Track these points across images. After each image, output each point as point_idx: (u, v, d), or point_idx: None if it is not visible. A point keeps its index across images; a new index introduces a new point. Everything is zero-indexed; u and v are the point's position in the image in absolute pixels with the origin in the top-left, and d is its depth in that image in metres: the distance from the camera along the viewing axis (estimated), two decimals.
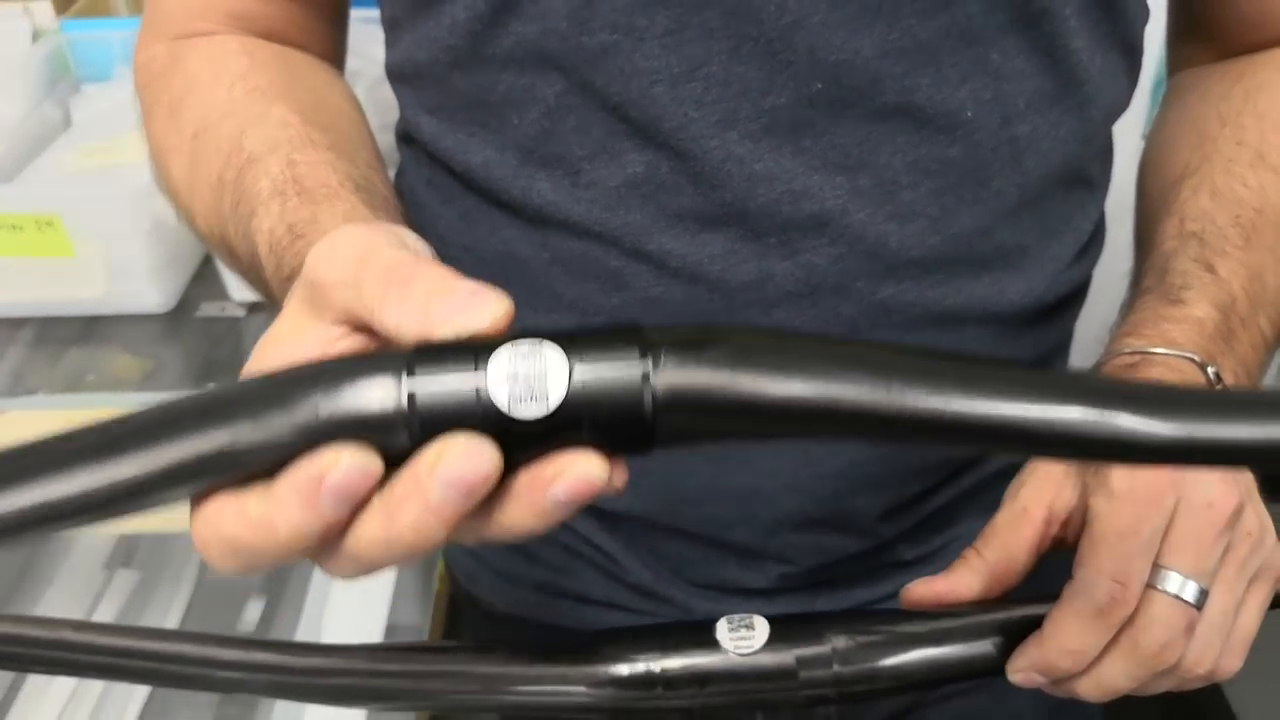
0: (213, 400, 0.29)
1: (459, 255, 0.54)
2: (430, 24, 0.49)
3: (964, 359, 0.28)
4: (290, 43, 0.55)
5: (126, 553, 0.80)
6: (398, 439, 0.28)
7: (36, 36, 1.09)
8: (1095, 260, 0.57)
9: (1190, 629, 0.40)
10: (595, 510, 0.58)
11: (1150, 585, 0.40)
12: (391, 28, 0.53)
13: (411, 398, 0.27)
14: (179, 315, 0.89)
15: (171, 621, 0.79)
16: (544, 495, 0.28)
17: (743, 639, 0.41)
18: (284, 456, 0.28)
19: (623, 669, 0.40)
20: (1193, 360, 0.44)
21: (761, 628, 0.41)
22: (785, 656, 0.40)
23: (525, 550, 0.63)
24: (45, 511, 0.28)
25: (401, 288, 0.30)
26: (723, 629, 0.40)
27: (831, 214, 0.47)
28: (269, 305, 0.86)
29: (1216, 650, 0.41)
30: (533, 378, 0.27)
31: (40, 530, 0.28)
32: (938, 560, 0.60)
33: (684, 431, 0.29)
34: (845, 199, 0.47)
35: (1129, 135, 0.58)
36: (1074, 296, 0.56)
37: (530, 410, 0.27)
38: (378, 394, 0.27)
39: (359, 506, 0.28)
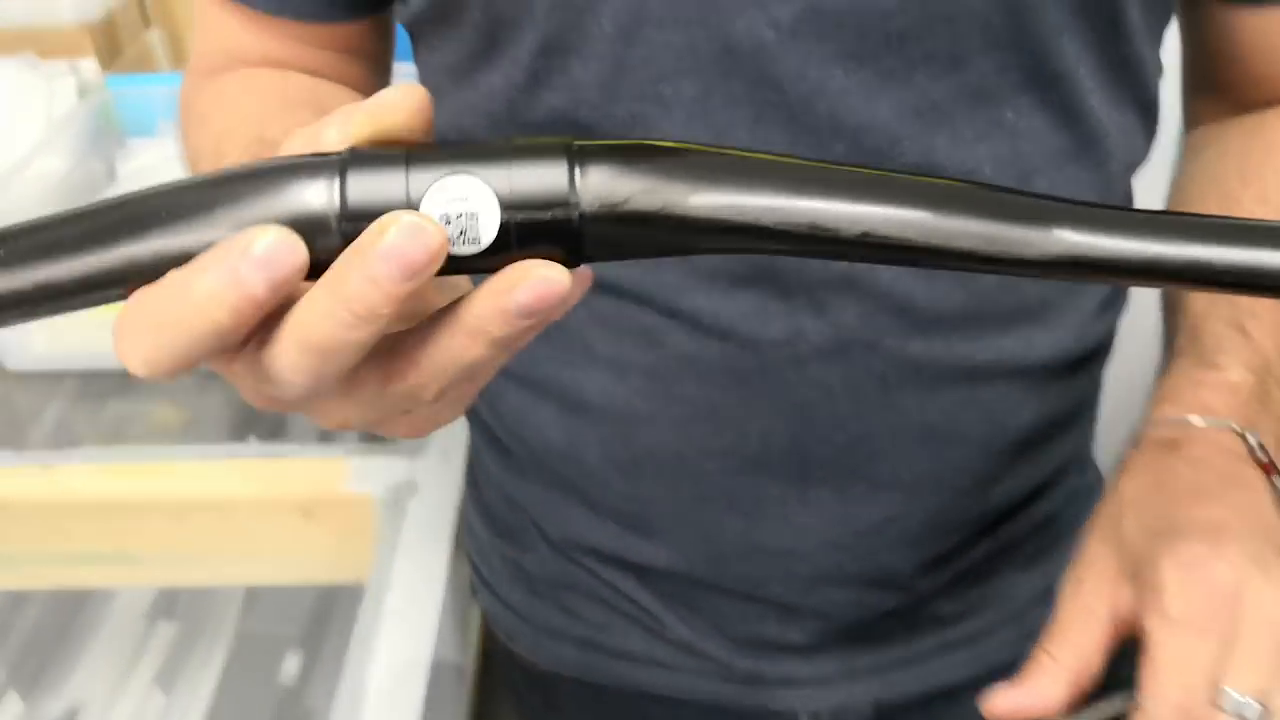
0: (155, 199, 0.28)
1: None
2: (470, 92, 0.51)
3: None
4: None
5: (167, 605, 0.81)
6: (329, 241, 0.27)
7: (83, 93, 1.12)
8: (1120, 311, 0.58)
9: None
10: (634, 566, 0.59)
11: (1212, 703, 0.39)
12: (434, 93, 0.55)
13: (344, 199, 0.27)
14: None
15: (212, 673, 0.81)
16: (509, 299, 0.27)
17: None
18: None
19: None
20: (1232, 429, 0.44)
21: None
22: None
23: (565, 606, 0.64)
24: None
25: (366, 102, 0.29)
26: None
27: (859, 272, 0.48)
28: None
29: None
30: (465, 219, 0.27)
31: None
32: (975, 616, 0.60)
33: (610, 241, 0.28)
34: None
35: (1151, 192, 0.58)
36: (1101, 349, 0.57)
37: (464, 249, 0.27)
38: (310, 194, 0.27)
39: (282, 293, 0.26)
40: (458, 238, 0.27)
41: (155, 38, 1.19)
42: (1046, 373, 0.54)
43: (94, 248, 0.28)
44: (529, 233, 0.27)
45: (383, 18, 0.58)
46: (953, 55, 0.45)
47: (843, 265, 0.48)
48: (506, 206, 0.27)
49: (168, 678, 0.80)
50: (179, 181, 0.28)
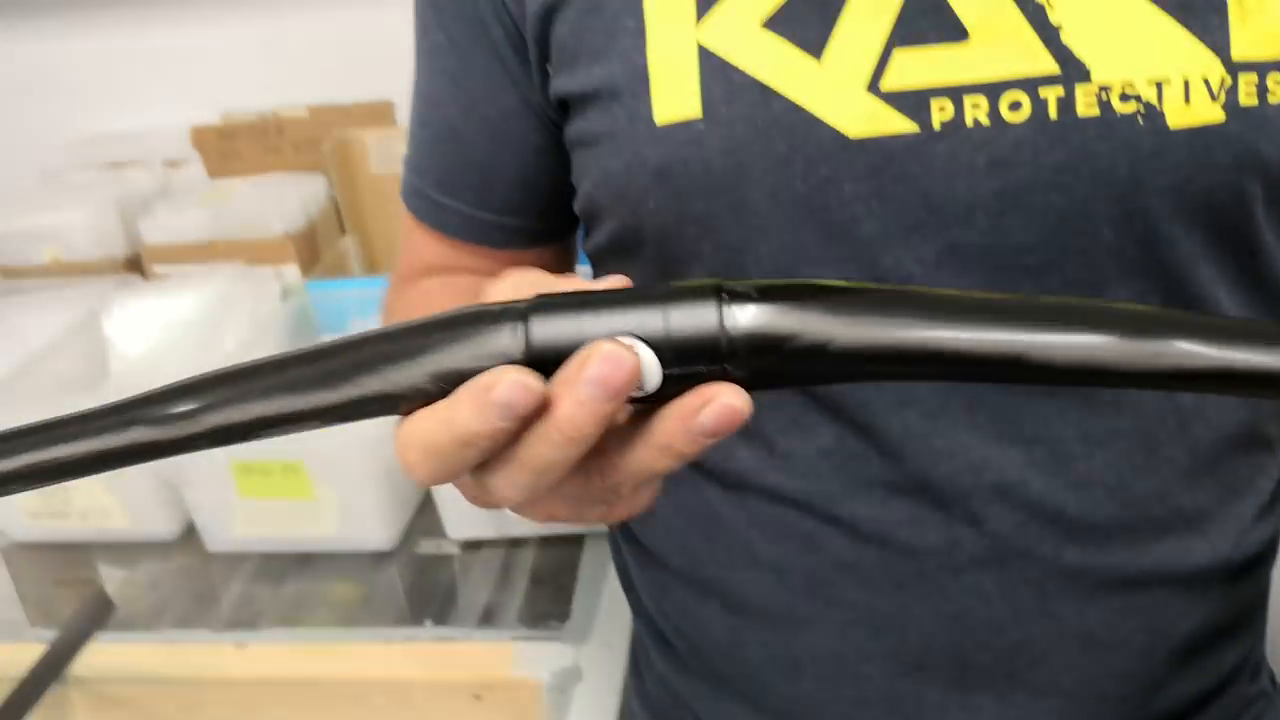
0: (375, 343, 0.33)
1: (667, 513, 0.59)
2: None
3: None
4: None
5: None
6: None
7: (285, 295, 1.22)
8: None
9: None
10: None
11: None
12: None
13: (529, 340, 0.31)
14: (400, 552, 0.95)
15: None
16: (694, 422, 0.30)
17: None
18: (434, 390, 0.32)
19: None
20: None
21: None
22: None
23: None
24: (249, 425, 0.33)
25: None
26: None
27: (1011, 484, 0.50)
28: (486, 543, 0.92)
29: None
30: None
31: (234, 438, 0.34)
32: None
33: (768, 375, 0.31)
34: (1022, 469, 0.50)
35: None
36: (1264, 554, 0.56)
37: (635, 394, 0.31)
38: (503, 337, 0.32)
39: (520, 423, 0.31)
40: None
41: (349, 244, 1.30)
42: (1207, 580, 0.54)
43: (333, 384, 0.33)
44: (687, 379, 0.31)
45: (566, 243, 0.64)
46: (1091, 283, 0.48)
47: (994, 476, 0.50)
48: (663, 353, 0.31)
49: None
50: (391, 328, 0.33)
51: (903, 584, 0.53)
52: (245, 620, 0.89)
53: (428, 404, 0.32)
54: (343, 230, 1.33)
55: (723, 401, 0.30)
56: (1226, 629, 0.57)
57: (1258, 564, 0.57)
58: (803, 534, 0.54)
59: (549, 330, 0.31)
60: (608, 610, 0.85)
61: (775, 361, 0.31)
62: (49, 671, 0.85)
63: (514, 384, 0.30)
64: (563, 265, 0.66)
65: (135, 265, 1.32)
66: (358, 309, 1.18)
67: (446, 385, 0.32)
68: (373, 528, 0.94)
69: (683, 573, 0.60)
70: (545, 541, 0.94)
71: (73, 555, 1.00)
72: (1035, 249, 0.47)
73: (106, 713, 0.84)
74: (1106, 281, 0.48)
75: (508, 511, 0.98)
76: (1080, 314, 0.30)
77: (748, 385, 0.31)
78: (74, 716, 0.86)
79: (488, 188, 0.60)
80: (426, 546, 0.95)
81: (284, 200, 1.28)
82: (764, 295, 0.31)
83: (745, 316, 0.31)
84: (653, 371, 0.31)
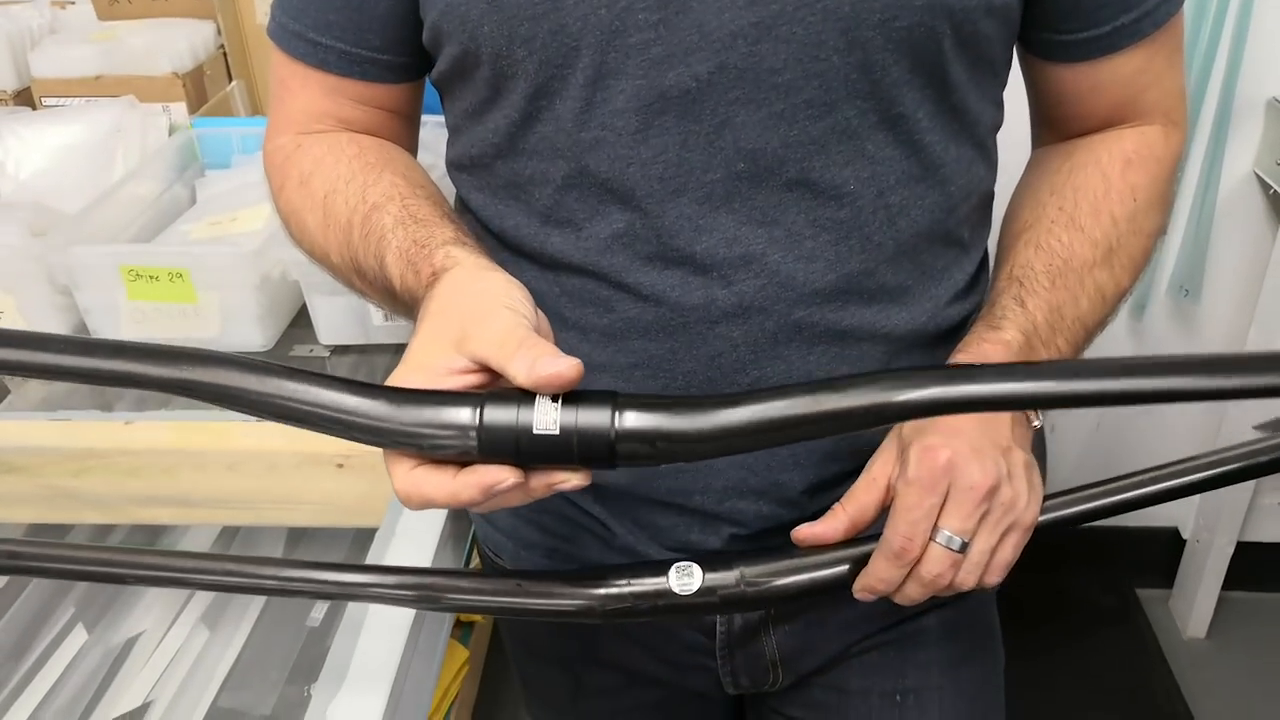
0: (396, 401, 0.51)
1: None
2: (480, 128, 0.68)
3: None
4: (382, 137, 0.75)
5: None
6: (470, 444, 0.51)
7: (172, 131, 1.30)
8: (975, 303, 0.73)
9: (956, 566, 0.60)
10: (593, 486, 0.74)
11: (931, 539, 0.59)
12: (453, 131, 0.73)
13: (481, 421, 0.50)
14: (276, 354, 1.06)
15: (250, 617, 0.93)
16: (549, 489, 0.51)
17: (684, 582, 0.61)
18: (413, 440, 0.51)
19: (599, 590, 0.60)
20: None
21: (698, 573, 0.61)
22: (710, 584, 0.60)
23: (539, 523, 0.79)
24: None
25: (516, 348, 0.51)
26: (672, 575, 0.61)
27: (755, 256, 0.64)
28: (354, 348, 1.06)
29: (977, 577, 0.60)
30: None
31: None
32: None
33: (635, 456, 0.50)
34: (765, 245, 0.64)
35: None
36: (956, 328, 0.72)
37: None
38: (465, 415, 0.50)
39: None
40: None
41: (235, 88, 1.38)
42: (907, 342, 0.69)
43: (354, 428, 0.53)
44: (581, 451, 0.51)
45: (420, 82, 0.75)
46: (825, 102, 0.61)
47: (743, 250, 0.64)
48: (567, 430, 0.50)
49: (212, 617, 0.94)
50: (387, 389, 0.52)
51: (673, 334, 0.67)
52: (131, 405, 0.99)
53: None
54: (230, 76, 1.40)
55: (573, 483, 0.52)
56: None
57: (951, 336, 0.71)
58: (599, 299, 0.68)
59: (495, 416, 0.50)
60: None
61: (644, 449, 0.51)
62: None
63: (508, 482, 0.51)
64: (416, 106, 0.77)
65: (25, 98, 1.38)
66: (241, 146, 1.27)
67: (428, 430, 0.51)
68: (251, 331, 1.05)
69: None
70: (400, 346, 1.05)
71: None
72: (783, 71, 0.60)
73: (3, 476, 0.94)
74: (837, 102, 0.61)
75: (372, 320, 1.12)
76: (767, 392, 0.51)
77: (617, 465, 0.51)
78: None
79: (365, 26, 0.69)
80: (300, 350, 1.07)
81: (174, 42, 1.35)
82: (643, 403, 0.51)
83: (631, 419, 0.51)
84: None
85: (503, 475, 0.50)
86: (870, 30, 0.60)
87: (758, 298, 0.65)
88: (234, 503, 0.95)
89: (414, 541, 0.83)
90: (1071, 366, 0.47)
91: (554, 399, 0.50)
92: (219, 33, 1.40)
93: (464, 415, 0.50)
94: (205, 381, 0.53)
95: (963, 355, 0.64)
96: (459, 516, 0.90)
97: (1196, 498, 1.91)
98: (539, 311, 0.56)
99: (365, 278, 0.66)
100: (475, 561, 0.95)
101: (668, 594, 0.61)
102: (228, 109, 1.35)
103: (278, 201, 0.74)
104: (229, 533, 1.00)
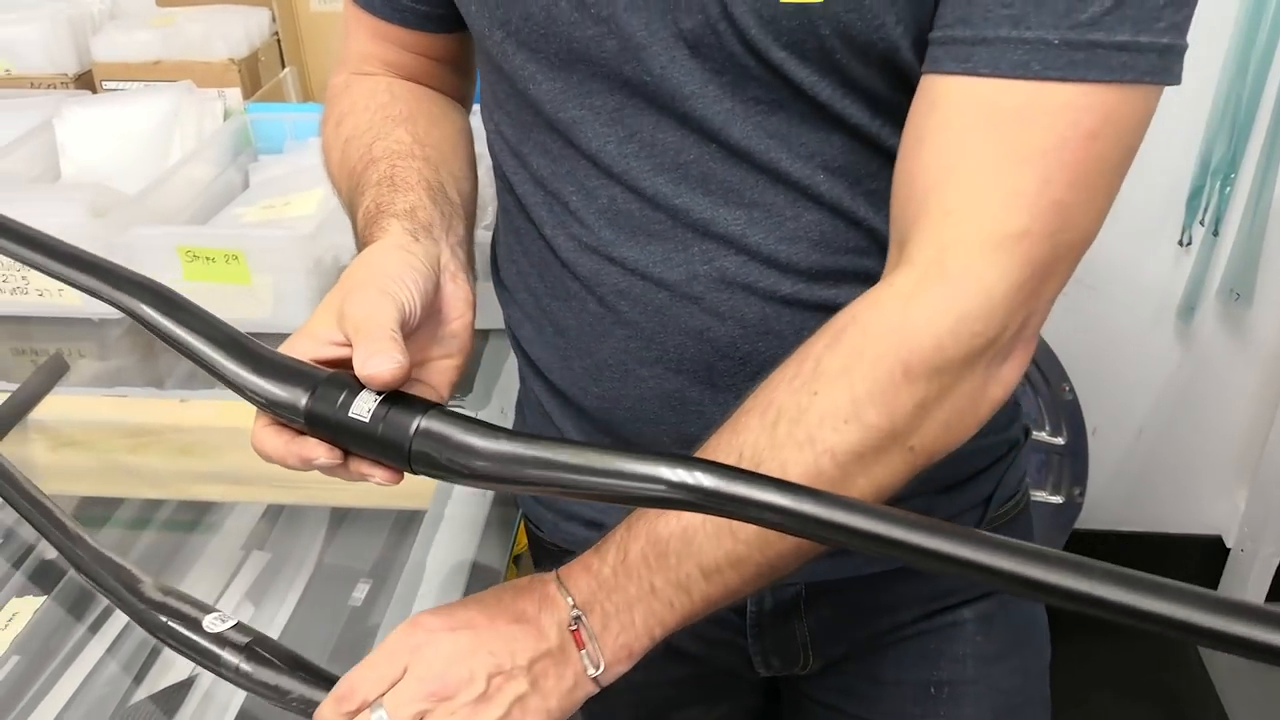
0: (255, 365, 0.56)
1: (521, 263, 0.76)
2: (496, 87, 0.71)
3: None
4: (428, 85, 0.78)
5: (260, 537, 0.96)
6: (297, 417, 0.55)
7: (227, 116, 1.32)
8: None
9: None
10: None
11: (370, 706, 0.57)
12: (484, 108, 0.75)
13: (313, 397, 0.54)
14: None
15: (294, 595, 0.93)
16: (364, 476, 0.55)
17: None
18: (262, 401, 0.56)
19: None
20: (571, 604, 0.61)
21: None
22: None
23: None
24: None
25: (363, 337, 0.54)
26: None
27: (735, 235, 0.65)
28: None
29: None
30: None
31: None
32: None
33: (429, 462, 0.52)
34: (744, 226, 0.65)
35: None
36: None
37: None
38: (299, 390, 0.54)
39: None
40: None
41: (288, 75, 1.40)
42: None
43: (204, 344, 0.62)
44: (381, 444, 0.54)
45: (466, 34, 0.76)
46: (774, 100, 0.61)
47: (722, 230, 0.65)
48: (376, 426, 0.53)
49: (257, 593, 0.95)
50: (249, 341, 0.59)
51: (660, 308, 0.68)
52: (187, 385, 1.02)
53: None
54: (284, 63, 1.42)
55: (380, 476, 0.55)
56: None
57: None
58: (592, 271, 0.69)
59: (323, 400, 0.54)
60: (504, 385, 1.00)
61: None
62: (12, 415, 0.97)
63: (324, 459, 0.54)
64: (465, 54, 0.80)
65: (86, 81, 1.41)
66: (294, 132, 1.29)
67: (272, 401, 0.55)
68: (302, 313, 1.06)
69: (527, 307, 0.76)
70: None
71: (32, 327, 1.12)
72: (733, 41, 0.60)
73: (62, 449, 0.96)
74: (788, 99, 0.61)
75: None
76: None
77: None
78: (35, 455, 0.98)
79: None
80: None
81: (230, 28, 1.37)
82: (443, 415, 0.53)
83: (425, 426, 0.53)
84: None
85: (319, 452, 0.54)
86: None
87: (739, 274, 0.66)
88: (281, 481, 0.96)
89: (460, 524, 0.84)
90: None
91: (379, 393, 0.53)
92: (274, 20, 1.42)
93: (299, 390, 0.54)
94: (116, 296, 0.64)
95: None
96: (505, 502, 0.91)
97: (1241, 506, 1.89)
98: (447, 292, 0.61)
99: (354, 224, 0.69)
100: (522, 544, 0.95)
101: None
102: (281, 95, 1.37)
103: (322, 134, 0.78)
104: (274, 511, 1.01)
